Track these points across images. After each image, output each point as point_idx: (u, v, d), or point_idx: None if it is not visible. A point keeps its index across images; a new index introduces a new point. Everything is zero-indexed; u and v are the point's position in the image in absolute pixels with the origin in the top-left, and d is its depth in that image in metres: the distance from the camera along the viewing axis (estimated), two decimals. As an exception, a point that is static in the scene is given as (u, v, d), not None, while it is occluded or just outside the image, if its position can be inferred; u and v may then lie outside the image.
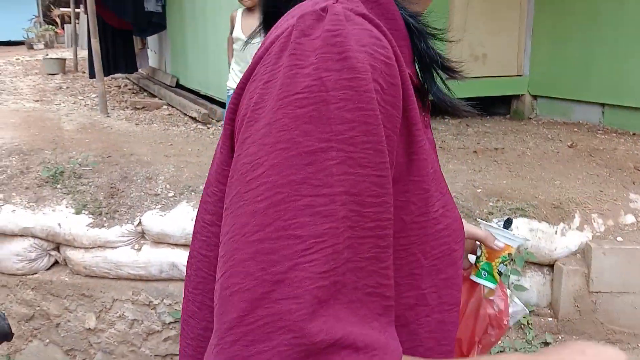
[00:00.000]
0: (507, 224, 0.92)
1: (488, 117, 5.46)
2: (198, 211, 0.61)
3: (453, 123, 5.06)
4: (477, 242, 0.90)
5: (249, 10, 3.67)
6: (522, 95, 5.46)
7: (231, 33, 3.92)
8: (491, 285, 0.87)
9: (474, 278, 0.88)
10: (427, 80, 0.59)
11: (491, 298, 0.87)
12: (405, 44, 0.56)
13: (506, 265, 0.88)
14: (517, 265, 2.79)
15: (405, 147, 0.52)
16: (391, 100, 0.47)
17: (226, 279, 0.43)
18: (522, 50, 5.44)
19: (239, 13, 3.74)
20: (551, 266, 2.93)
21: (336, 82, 0.44)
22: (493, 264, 0.87)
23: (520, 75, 5.47)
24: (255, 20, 3.69)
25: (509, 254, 0.88)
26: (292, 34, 0.48)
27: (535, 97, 5.48)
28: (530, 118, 5.43)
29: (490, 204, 3.09)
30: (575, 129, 4.82)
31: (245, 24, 3.69)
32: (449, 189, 0.62)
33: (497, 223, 0.95)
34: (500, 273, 0.87)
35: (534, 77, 5.40)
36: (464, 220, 0.70)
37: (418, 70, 0.60)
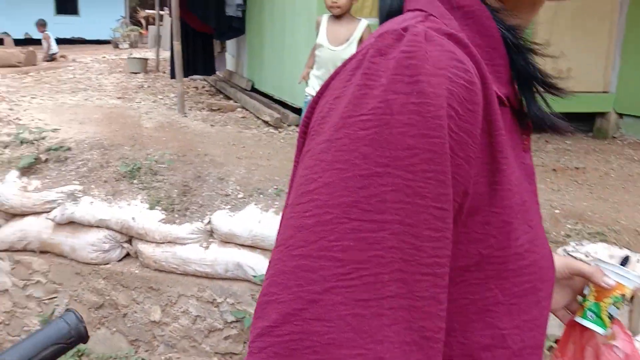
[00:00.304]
0: (624, 261, 0.82)
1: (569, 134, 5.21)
2: None
3: (532, 138, 4.85)
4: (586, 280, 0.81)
5: (336, 17, 3.63)
6: (607, 113, 5.18)
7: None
8: (599, 329, 0.76)
9: (579, 320, 0.78)
10: (527, 99, 0.56)
11: (612, 343, 0.76)
12: (503, 62, 0.53)
13: (619, 307, 0.77)
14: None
15: (489, 175, 0.48)
16: (467, 127, 0.44)
17: (266, 286, 0.43)
18: (610, 66, 5.16)
19: (324, 19, 3.70)
20: (630, 298, 2.74)
21: (403, 105, 0.42)
22: (602, 304, 0.76)
23: (606, 92, 5.19)
24: (341, 28, 3.70)
25: (623, 295, 0.77)
26: (369, 52, 0.46)
27: (621, 115, 5.18)
28: (615, 137, 5.14)
29: (569, 226, 2.94)
30: (665, 152, 4.52)
31: (330, 31, 3.65)
32: (544, 232, 0.57)
33: (610, 260, 0.86)
34: (610, 316, 0.77)
35: (621, 95, 5.11)
36: (566, 256, 0.64)
37: (518, 89, 0.56)
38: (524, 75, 0.54)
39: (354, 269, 0.40)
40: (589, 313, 0.77)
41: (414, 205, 0.41)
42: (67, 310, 0.80)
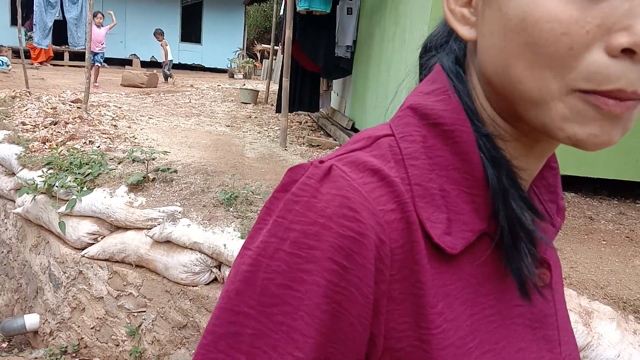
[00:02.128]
0: None
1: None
2: None
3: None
4: None
5: None
6: None
7: None
8: None
9: None
10: (506, 248, 0.47)
11: None
12: (482, 193, 0.47)
13: None
14: None
15: (414, 330, 0.44)
16: (356, 282, 0.42)
17: None
18: None
19: None
20: None
21: (275, 251, 0.43)
22: None
23: None
24: None
25: None
26: (279, 184, 0.48)
27: None
28: None
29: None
30: None
31: None
32: None
33: None
34: None
35: None
36: None
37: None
38: (503, 222, 0.47)
39: None
40: None
41: (264, 353, 0.42)
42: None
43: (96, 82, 10.62)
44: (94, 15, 10.36)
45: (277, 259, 0.42)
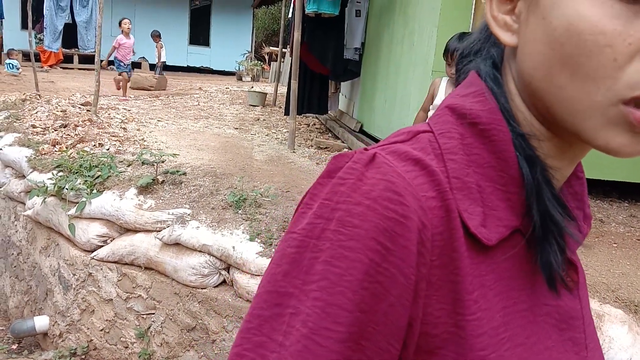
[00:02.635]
0: None
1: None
2: None
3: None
4: None
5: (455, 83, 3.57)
6: None
7: (431, 101, 3.81)
8: None
9: None
10: (539, 245, 0.49)
11: None
12: (517, 190, 0.49)
13: None
14: None
15: (451, 317, 0.45)
16: (398, 263, 0.42)
17: None
18: None
19: (443, 83, 3.66)
20: None
21: (322, 231, 0.44)
22: None
23: None
24: None
25: None
26: (323, 172, 0.49)
27: None
28: None
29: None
30: None
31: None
32: None
33: None
34: None
35: None
36: None
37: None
38: (537, 218, 0.49)
39: None
40: None
41: (308, 339, 0.42)
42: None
43: (125, 94, 9.77)
44: (120, 23, 10.13)
45: (324, 239, 0.43)
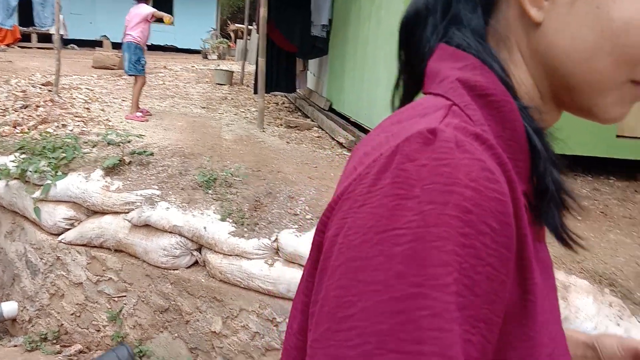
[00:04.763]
0: None
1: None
2: (290, 314, 0.58)
3: (619, 186, 4.61)
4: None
5: None
6: None
7: None
8: None
9: None
10: (541, 206, 0.53)
11: None
12: (524, 157, 0.51)
13: None
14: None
15: (518, 286, 0.46)
16: (505, 241, 0.42)
17: None
18: None
19: None
20: None
21: (438, 217, 0.41)
22: None
23: None
24: None
25: None
26: (396, 157, 0.44)
27: None
28: None
29: (653, 286, 2.75)
30: None
31: None
32: (562, 329, 0.55)
33: None
34: None
35: None
36: (611, 333, 0.61)
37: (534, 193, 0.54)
38: (542, 183, 0.52)
39: None
40: None
41: (451, 333, 0.39)
42: (121, 344, 0.82)
43: (139, 109, 6.18)
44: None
45: (442, 224, 0.41)
